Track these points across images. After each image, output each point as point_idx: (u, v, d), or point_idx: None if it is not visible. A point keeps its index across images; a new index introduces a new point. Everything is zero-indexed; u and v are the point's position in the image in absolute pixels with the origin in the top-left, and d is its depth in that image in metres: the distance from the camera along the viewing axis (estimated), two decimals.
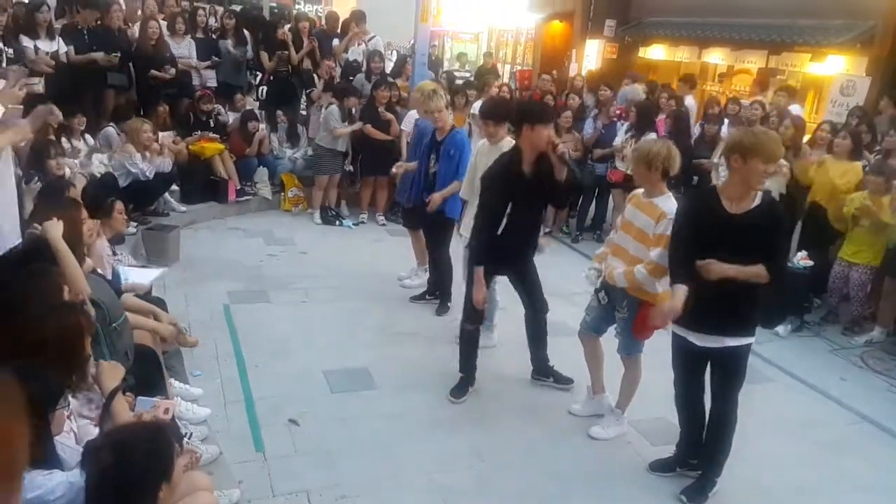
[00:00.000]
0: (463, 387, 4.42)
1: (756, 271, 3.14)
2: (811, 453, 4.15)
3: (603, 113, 8.10)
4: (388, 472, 3.60)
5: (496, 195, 4.07)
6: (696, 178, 7.26)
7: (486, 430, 4.06)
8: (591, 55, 14.73)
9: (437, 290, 5.76)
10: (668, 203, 3.66)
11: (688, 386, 3.60)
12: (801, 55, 10.51)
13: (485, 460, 3.79)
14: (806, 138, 6.76)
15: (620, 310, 3.87)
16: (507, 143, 4.76)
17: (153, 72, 7.70)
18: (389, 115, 7.48)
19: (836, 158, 6.06)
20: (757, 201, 3.20)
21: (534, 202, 4.22)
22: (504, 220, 4.06)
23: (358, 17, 9.15)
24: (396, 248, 6.88)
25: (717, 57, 12.35)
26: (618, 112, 8.07)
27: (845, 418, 4.63)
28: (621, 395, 4.12)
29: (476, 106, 7.33)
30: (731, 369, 3.42)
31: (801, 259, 5.79)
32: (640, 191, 3.83)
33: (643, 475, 3.77)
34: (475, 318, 4.37)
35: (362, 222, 7.93)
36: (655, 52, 13.91)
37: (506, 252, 4.18)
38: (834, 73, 9.83)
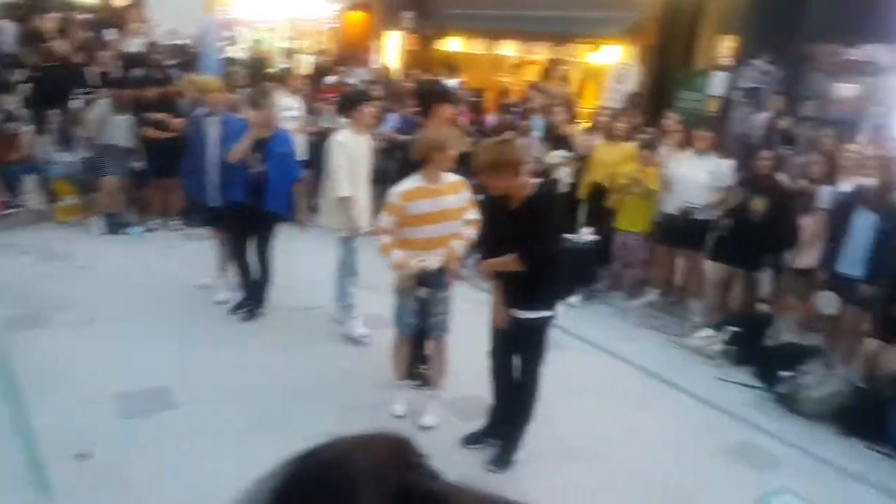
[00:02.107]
0: None
1: (503, 262, 3.52)
2: (607, 410, 4.53)
3: (402, 105, 8.15)
4: (200, 494, 3.34)
5: None
6: None
7: (304, 434, 3.92)
8: (394, 47, 14.85)
9: (251, 294, 5.46)
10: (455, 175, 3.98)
11: (496, 356, 3.84)
12: (581, 46, 11.39)
13: None
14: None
15: (443, 291, 3.99)
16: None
17: None
18: (158, 116, 6.97)
19: (613, 142, 6.65)
20: (530, 192, 3.49)
21: None
22: None
23: (137, 4, 8.41)
24: (194, 254, 6.39)
25: (508, 49, 13.01)
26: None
27: (634, 375, 5.13)
28: (436, 375, 4.20)
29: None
30: (527, 341, 3.70)
31: (586, 234, 6.30)
32: (418, 183, 3.89)
33: (456, 451, 3.87)
34: None
35: (154, 229, 7.32)
36: (454, 45, 14.35)
37: None
38: (611, 62, 10.78)
